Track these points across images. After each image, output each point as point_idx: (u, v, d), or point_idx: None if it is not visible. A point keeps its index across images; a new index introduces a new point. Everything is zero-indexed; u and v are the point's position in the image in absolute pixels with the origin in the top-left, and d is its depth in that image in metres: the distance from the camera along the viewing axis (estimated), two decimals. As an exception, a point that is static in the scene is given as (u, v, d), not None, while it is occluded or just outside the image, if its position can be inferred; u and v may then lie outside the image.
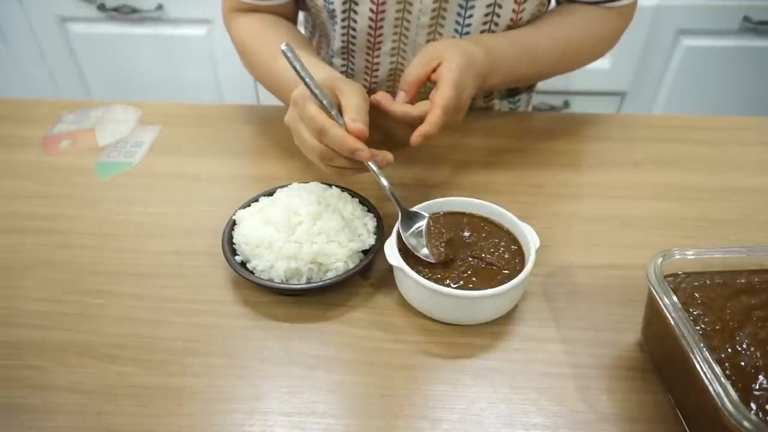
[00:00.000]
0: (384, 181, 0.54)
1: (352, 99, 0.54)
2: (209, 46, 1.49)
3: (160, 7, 1.42)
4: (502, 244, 0.54)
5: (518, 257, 0.53)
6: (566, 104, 1.54)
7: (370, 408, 0.45)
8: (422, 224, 0.54)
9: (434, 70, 0.59)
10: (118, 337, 0.50)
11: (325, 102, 0.53)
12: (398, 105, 0.59)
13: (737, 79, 1.46)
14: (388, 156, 0.56)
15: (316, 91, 0.53)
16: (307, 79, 0.54)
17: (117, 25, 1.47)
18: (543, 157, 0.73)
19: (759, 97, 1.49)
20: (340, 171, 0.56)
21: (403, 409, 0.44)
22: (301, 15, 0.86)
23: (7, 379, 0.47)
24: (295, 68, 0.54)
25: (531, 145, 0.75)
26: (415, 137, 0.56)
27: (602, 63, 1.44)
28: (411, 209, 0.55)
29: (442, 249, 0.52)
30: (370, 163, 0.54)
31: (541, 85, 1.53)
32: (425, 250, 0.53)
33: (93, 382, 0.46)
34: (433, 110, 0.56)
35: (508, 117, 0.86)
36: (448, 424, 0.43)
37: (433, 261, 0.52)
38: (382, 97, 0.60)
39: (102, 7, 1.42)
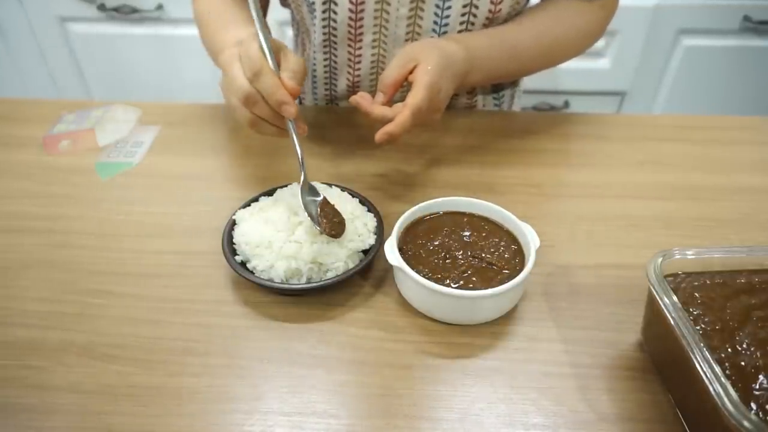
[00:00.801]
0: (298, 146, 0.56)
1: (293, 62, 0.56)
2: (209, 46, 1.48)
3: (160, 7, 1.42)
4: (502, 244, 0.54)
5: (518, 257, 0.53)
6: (566, 104, 1.54)
7: (370, 408, 0.45)
8: (319, 199, 0.55)
9: (411, 72, 0.60)
10: (118, 337, 0.50)
11: (266, 48, 0.54)
12: (376, 107, 0.60)
13: (737, 79, 1.46)
14: (304, 126, 0.57)
15: (261, 35, 0.54)
16: (258, 23, 0.55)
17: (117, 25, 1.47)
18: (543, 157, 0.73)
19: (759, 97, 1.49)
20: (256, 120, 0.56)
21: (403, 409, 0.44)
22: (287, 14, 0.86)
23: (5, 379, 0.47)
24: (251, 9, 0.56)
25: (531, 145, 0.75)
26: (380, 135, 0.57)
27: (602, 63, 1.44)
28: (312, 184, 0.57)
29: (329, 225, 0.53)
30: (290, 124, 0.55)
31: (541, 85, 1.53)
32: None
33: (93, 382, 0.46)
34: (403, 111, 0.57)
35: (509, 117, 0.86)
36: (448, 424, 0.43)
37: (319, 232, 0.53)
38: (361, 97, 0.61)
39: (102, 7, 1.42)
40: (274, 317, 0.52)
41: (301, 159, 0.56)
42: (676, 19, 1.36)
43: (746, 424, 0.34)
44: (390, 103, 0.62)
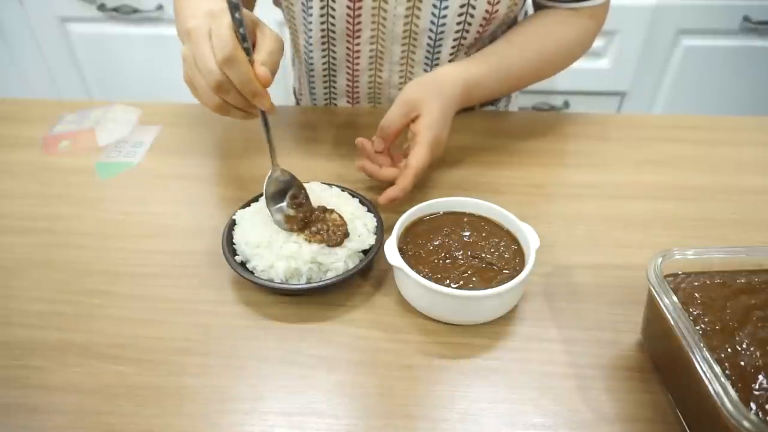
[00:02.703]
0: (268, 134, 0.54)
1: (268, 41, 0.51)
2: (209, 46, 1.48)
3: (160, 7, 1.42)
4: (502, 244, 0.54)
5: (518, 257, 0.53)
6: (566, 104, 1.54)
7: (370, 408, 0.45)
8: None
9: (413, 120, 0.62)
10: (117, 337, 0.50)
11: (242, 29, 0.48)
12: (384, 170, 0.62)
13: (737, 79, 1.46)
14: (272, 107, 0.53)
15: (236, 14, 0.47)
16: None
17: (117, 25, 1.47)
18: (543, 157, 0.73)
19: (759, 97, 1.49)
20: (225, 106, 0.52)
21: (403, 409, 0.44)
22: (280, 15, 0.86)
23: (5, 378, 0.47)
24: None
25: (531, 145, 0.75)
26: (384, 200, 0.59)
27: (602, 63, 1.44)
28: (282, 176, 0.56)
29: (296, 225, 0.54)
30: (261, 114, 0.53)
31: (541, 86, 1.53)
32: (280, 215, 0.55)
33: (92, 382, 0.46)
34: (406, 174, 0.59)
35: (509, 117, 0.86)
36: (448, 424, 0.43)
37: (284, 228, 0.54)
38: (367, 163, 0.64)
39: (102, 7, 1.42)
40: (274, 317, 0.52)
41: (273, 149, 0.55)
42: (676, 19, 1.36)
43: (746, 424, 0.34)
44: (389, 148, 0.64)
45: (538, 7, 0.77)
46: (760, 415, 0.37)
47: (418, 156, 0.59)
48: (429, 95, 0.62)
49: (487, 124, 0.80)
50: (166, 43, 1.49)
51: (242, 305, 0.53)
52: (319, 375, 0.47)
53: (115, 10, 1.43)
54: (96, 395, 0.45)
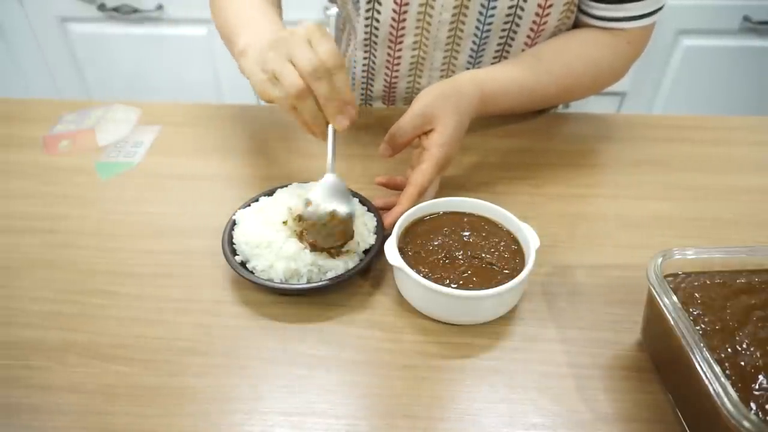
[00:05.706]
0: (331, 154, 0.55)
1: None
2: (209, 46, 1.49)
3: (160, 7, 1.42)
4: (502, 244, 0.54)
5: (518, 257, 0.53)
6: (566, 104, 1.54)
7: (370, 408, 0.45)
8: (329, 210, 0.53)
9: (426, 133, 0.60)
10: (118, 337, 0.50)
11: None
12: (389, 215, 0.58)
13: (737, 79, 1.46)
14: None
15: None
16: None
17: (117, 25, 1.47)
18: (543, 157, 0.73)
19: (759, 97, 1.49)
20: (307, 94, 0.50)
21: (403, 409, 0.44)
22: (334, 9, 0.86)
23: (7, 378, 0.47)
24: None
25: (531, 145, 0.75)
26: (388, 225, 0.56)
27: (602, 63, 1.44)
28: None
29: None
30: (332, 127, 0.53)
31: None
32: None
33: (93, 382, 0.46)
34: (409, 195, 0.57)
35: (508, 117, 0.85)
36: (448, 423, 0.43)
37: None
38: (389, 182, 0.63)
39: (102, 7, 1.42)
40: (274, 317, 0.52)
41: (333, 162, 0.55)
42: (676, 19, 1.36)
43: (746, 424, 0.34)
44: (394, 155, 0.62)
45: (576, 24, 0.73)
46: (760, 415, 0.37)
47: (424, 174, 0.57)
48: (446, 110, 0.59)
49: (487, 124, 0.80)
50: (166, 43, 1.49)
51: (242, 305, 0.53)
52: (319, 375, 0.47)
53: (115, 10, 1.43)
54: (97, 395, 0.45)
